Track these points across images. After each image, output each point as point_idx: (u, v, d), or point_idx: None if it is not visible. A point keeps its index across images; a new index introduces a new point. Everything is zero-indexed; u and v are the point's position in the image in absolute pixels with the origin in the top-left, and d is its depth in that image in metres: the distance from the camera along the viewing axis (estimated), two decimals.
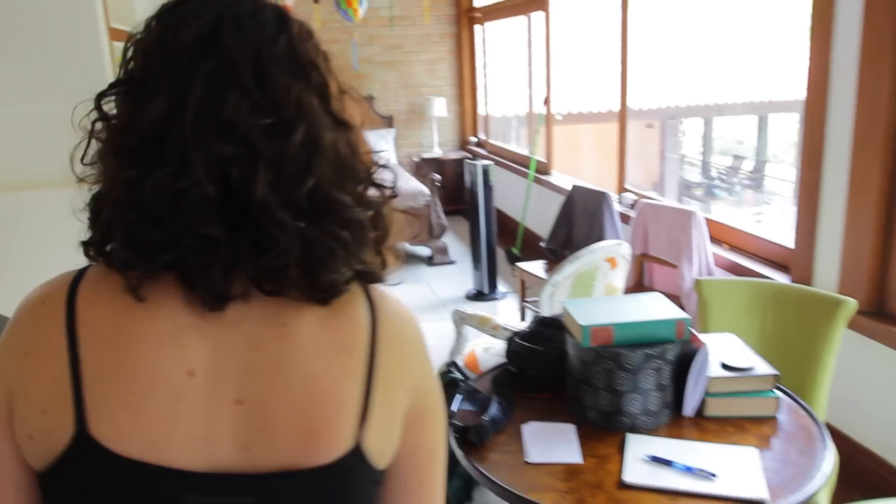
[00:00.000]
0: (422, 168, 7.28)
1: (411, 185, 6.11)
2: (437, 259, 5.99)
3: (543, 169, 5.93)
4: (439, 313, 4.92)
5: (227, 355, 0.71)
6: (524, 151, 6.68)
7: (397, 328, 0.78)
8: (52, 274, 0.78)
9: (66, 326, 0.71)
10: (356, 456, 0.73)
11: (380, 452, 0.75)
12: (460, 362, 2.93)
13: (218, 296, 0.71)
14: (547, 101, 5.75)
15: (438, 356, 4.21)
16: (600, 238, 3.97)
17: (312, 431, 0.72)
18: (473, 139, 7.90)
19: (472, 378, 2.46)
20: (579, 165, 8.16)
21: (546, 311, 2.63)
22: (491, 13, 7.09)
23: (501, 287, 5.25)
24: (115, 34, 2.66)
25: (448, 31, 7.76)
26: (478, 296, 5.15)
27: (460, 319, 2.90)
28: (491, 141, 7.54)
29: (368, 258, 0.77)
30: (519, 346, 1.99)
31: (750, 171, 11.80)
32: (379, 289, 0.80)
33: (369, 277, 0.78)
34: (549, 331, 1.99)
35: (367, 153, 0.79)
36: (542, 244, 4.56)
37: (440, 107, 7.51)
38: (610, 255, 2.72)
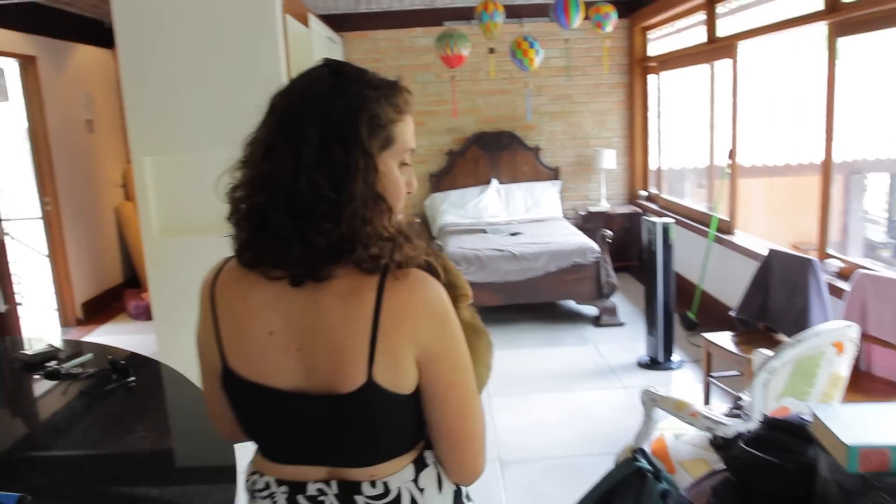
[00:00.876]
0: (588, 222, 6.97)
1: (579, 241, 5.80)
2: (604, 320, 5.61)
3: (725, 228, 5.46)
4: (608, 380, 4.55)
5: (290, 321, 1.13)
6: (701, 207, 6.22)
7: (396, 306, 1.09)
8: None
9: (210, 300, 1.20)
10: (371, 387, 1.09)
11: (394, 384, 1.10)
12: (647, 448, 2.60)
13: (287, 275, 1.11)
14: (732, 155, 5.30)
15: (609, 429, 3.85)
16: (804, 312, 3.50)
17: (338, 371, 1.10)
18: (643, 193, 7.50)
19: (661, 467, 2.13)
20: (748, 222, 7.56)
21: (758, 403, 2.25)
22: (668, 62, 6.73)
23: (676, 355, 4.80)
24: None
25: (619, 82, 7.46)
26: (652, 364, 4.72)
27: (651, 401, 2.56)
28: (663, 195, 7.11)
29: (370, 254, 1.09)
30: (745, 453, 1.65)
31: None
32: (397, 279, 1.10)
33: (372, 268, 1.10)
34: (784, 437, 1.65)
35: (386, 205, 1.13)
36: (732, 314, 4.10)
37: (609, 159, 7.19)
38: (837, 339, 2.30)
